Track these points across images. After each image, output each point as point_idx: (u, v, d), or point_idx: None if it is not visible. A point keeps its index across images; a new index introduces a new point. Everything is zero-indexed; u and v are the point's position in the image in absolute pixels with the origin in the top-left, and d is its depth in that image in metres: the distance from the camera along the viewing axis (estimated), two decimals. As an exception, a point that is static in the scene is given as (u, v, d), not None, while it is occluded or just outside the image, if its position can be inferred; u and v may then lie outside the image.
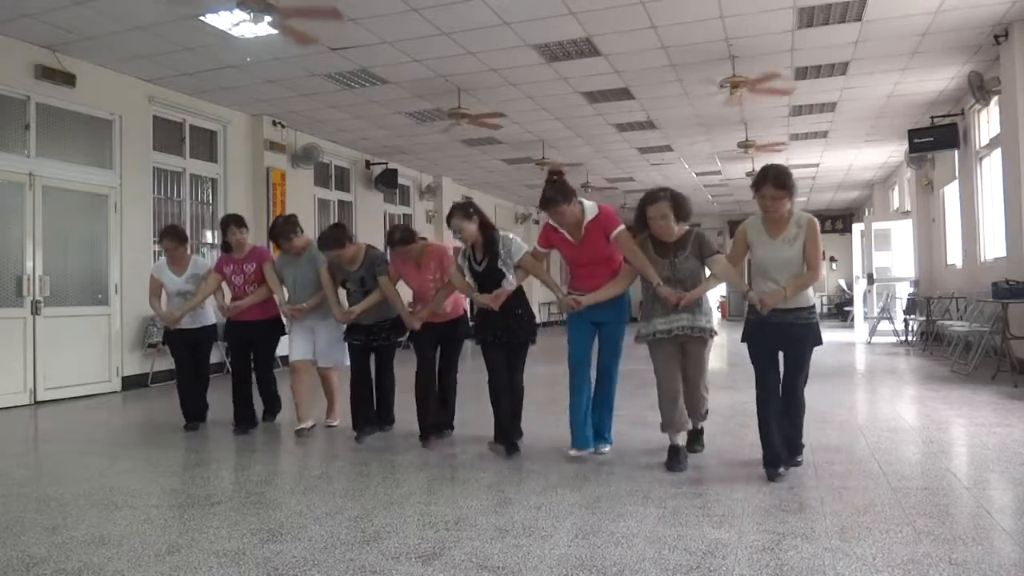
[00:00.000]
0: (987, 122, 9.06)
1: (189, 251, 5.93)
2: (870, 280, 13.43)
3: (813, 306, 3.80)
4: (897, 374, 8.14)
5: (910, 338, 11.70)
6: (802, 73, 8.58)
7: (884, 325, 12.59)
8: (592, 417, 4.31)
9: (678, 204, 3.94)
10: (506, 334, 4.46)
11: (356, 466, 4.30)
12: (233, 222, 5.42)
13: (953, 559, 2.59)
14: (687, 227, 4.05)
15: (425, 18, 6.73)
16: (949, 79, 8.95)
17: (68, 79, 7.43)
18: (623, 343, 4.36)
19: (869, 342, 12.33)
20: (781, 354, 3.83)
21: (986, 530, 2.93)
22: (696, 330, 3.98)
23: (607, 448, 4.40)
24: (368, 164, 12.88)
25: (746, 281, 4.03)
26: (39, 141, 7.30)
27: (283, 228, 5.16)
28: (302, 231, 5.24)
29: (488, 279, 4.43)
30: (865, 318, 13.61)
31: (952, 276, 11.00)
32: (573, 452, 4.24)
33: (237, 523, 3.20)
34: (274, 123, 10.20)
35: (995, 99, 8.16)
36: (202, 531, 3.09)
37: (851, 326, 15.57)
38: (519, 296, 4.53)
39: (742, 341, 3.92)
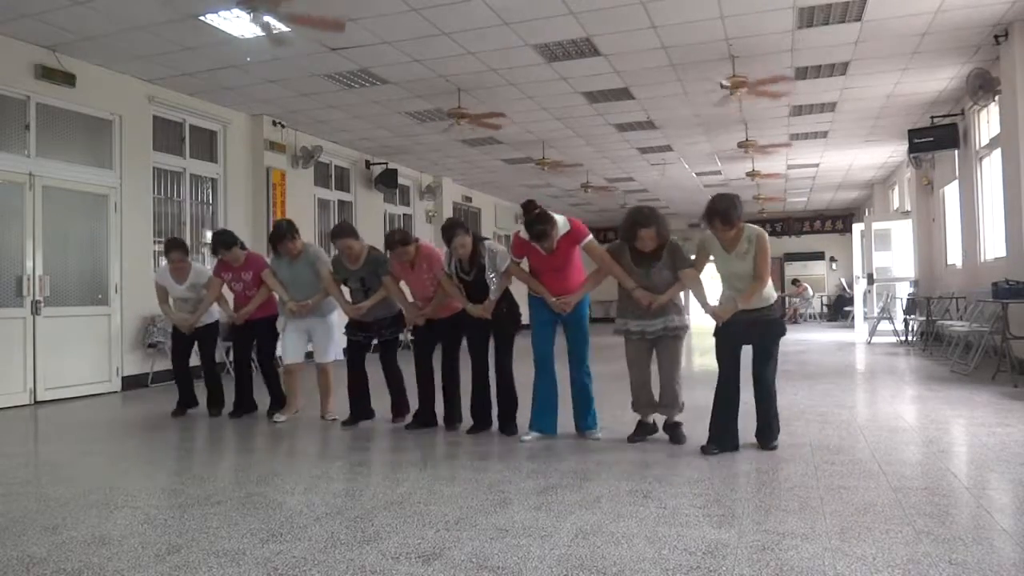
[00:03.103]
0: (987, 122, 9.06)
1: (189, 258, 6.17)
2: (870, 280, 13.44)
3: (772, 305, 4.30)
4: (897, 374, 8.14)
5: (910, 338, 11.71)
6: (802, 73, 8.59)
7: (884, 325, 12.60)
8: (574, 409, 4.81)
9: (661, 227, 4.38)
10: (496, 327, 4.89)
11: (356, 466, 4.31)
12: (221, 244, 5.70)
13: (953, 559, 2.59)
14: None
15: (425, 18, 6.73)
16: (949, 79, 8.95)
17: (68, 79, 7.44)
18: (588, 327, 4.83)
19: (869, 342, 12.33)
20: (749, 348, 4.33)
21: (986, 530, 2.93)
22: (670, 331, 4.48)
23: (599, 434, 4.77)
24: (368, 164, 12.88)
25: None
26: (39, 141, 7.31)
27: (287, 230, 5.46)
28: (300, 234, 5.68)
29: (476, 287, 4.87)
30: (865, 318, 13.62)
31: (952, 276, 11.00)
32: (527, 437, 4.67)
33: (237, 523, 3.20)
34: (274, 123, 10.20)
35: (994, 99, 8.16)
36: (202, 531, 3.10)
37: (851, 326, 15.60)
38: (502, 296, 4.90)
39: (713, 335, 4.36)
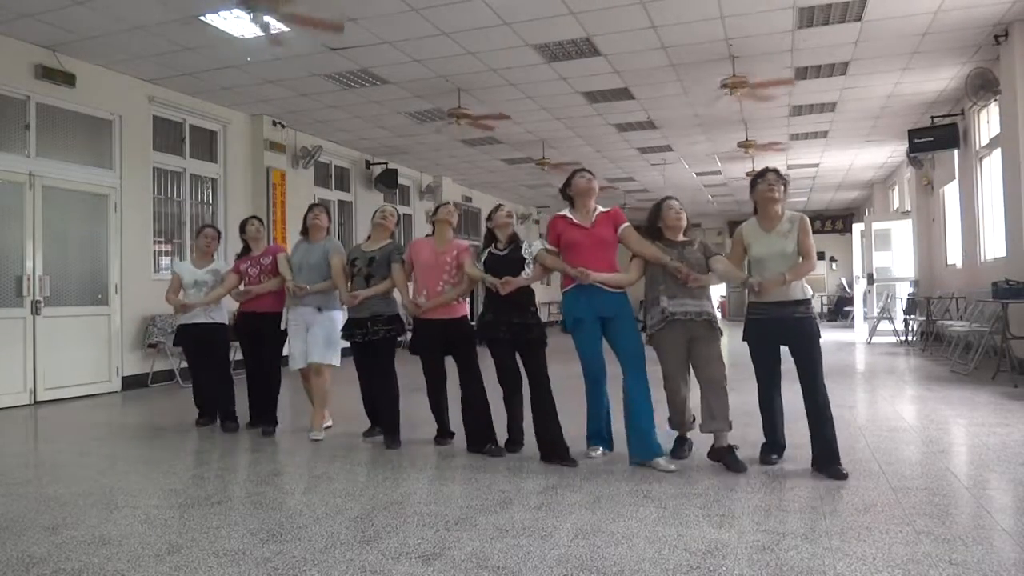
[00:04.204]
0: (987, 122, 9.06)
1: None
2: (870, 280, 13.44)
3: (809, 300, 4.00)
4: (897, 374, 8.14)
5: (910, 338, 11.71)
6: (802, 73, 8.58)
7: (884, 325, 12.60)
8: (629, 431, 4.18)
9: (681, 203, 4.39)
10: (522, 330, 4.44)
11: (356, 466, 4.31)
12: (254, 216, 5.96)
13: (953, 559, 2.59)
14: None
15: (425, 18, 6.73)
16: (949, 79, 8.95)
17: (68, 79, 7.44)
18: (638, 338, 4.25)
19: (869, 342, 12.33)
20: (785, 350, 4.01)
21: (986, 530, 2.93)
22: (703, 315, 4.09)
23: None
24: (368, 164, 12.88)
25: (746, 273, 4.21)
26: (39, 141, 7.31)
27: (319, 206, 5.70)
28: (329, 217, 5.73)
29: (507, 266, 4.48)
30: (865, 318, 13.62)
31: (952, 276, 11.00)
32: (595, 454, 4.34)
33: (237, 523, 3.20)
34: (274, 123, 10.20)
35: (994, 99, 8.16)
36: (202, 531, 3.10)
37: (851, 326, 15.59)
38: (531, 295, 4.60)
39: (743, 340, 4.09)
